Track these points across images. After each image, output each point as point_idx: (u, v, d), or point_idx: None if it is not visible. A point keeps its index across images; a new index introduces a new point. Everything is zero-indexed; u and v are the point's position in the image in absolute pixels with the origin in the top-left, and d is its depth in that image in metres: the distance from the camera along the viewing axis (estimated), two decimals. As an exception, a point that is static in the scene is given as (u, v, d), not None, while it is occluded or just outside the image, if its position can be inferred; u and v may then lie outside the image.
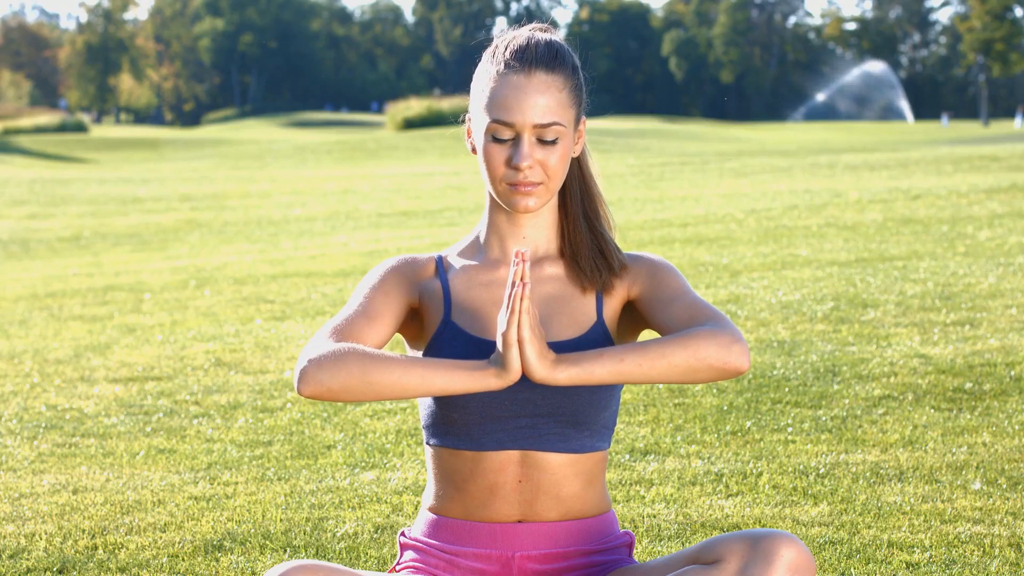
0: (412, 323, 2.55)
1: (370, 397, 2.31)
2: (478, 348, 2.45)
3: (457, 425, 2.45)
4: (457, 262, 2.56)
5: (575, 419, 2.44)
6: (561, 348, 2.44)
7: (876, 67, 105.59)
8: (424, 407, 2.50)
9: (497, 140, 2.44)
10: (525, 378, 2.39)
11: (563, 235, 2.55)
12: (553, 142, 2.43)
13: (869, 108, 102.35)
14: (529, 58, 2.43)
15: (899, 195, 17.16)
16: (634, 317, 2.54)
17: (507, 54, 2.44)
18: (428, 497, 2.54)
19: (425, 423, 2.51)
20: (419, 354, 2.54)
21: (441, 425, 2.47)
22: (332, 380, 2.30)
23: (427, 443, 2.52)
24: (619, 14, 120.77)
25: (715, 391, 5.81)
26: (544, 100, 2.42)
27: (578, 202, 2.56)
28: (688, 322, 2.40)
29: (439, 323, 2.50)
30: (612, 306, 2.53)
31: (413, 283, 2.54)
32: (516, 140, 2.43)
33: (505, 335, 2.27)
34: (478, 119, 2.47)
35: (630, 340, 2.57)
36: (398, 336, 7.37)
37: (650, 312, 2.48)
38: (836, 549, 3.75)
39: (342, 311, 2.48)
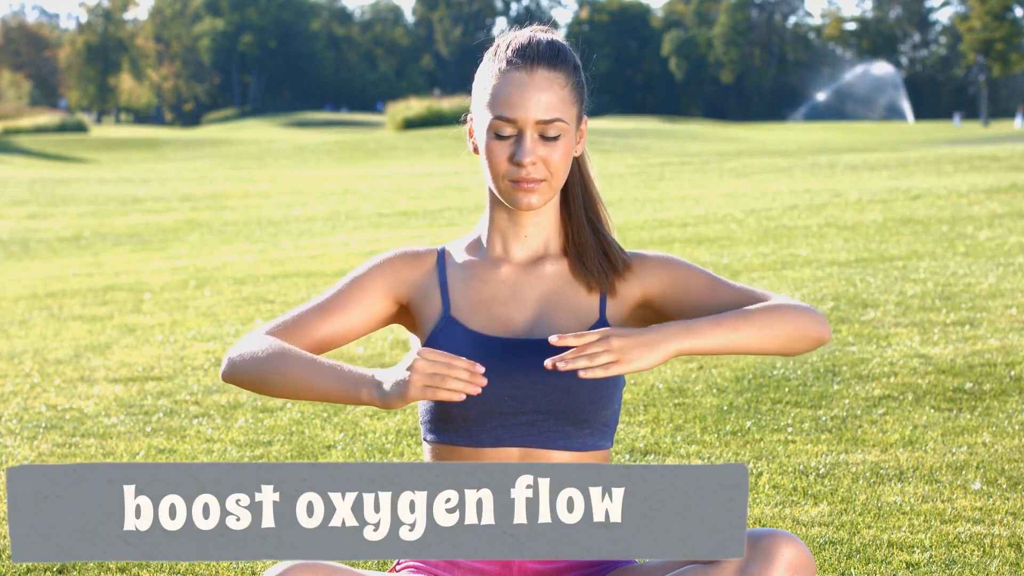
0: (405, 316, 2.55)
1: (274, 394, 2.38)
2: (478, 343, 2.45)
3: (456, 421, 2.44)
4: (460, 257, 2.56)
5: (575, 416, 2.44)
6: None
7: (881, 68, 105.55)
8: (423, 402, 2.50)
9: (500, 137, 2.44)
10: (523, 374, 2.40)
11: (567, 236, 2.55)
12: (555, 138, 2.43)
13: (871, 108, 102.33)
14: (531, 55, 2.43)
15: (899, 195, 17.16)
16: (647, 316, 2.53)
17: (509, 52, 2.45)
18: (428, 496, 2.53)
19: (423, 418, 2.51)
20: (418, 344, 2.54)
21: (439, 421, 2.47)
22: (243, 373, 2.40)
23: (424, 439, 2.52)
24: (619, 14, 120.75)
25: (715, 391, 5.81)
26: (546, 96, 2.42)
27: (580, 204, 2.55)
28: (746, 304, 2.43)
29: (438, 318, 2.50)
30: (620, 306, 2.52)
31: (405, 278, 2.54)
32: (519, 137, 2.43)
33: (432, 391, 2.23)
34: (480, 117, 2.47)
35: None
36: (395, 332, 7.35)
37: (690, 307, 2.47)
38: (836, 549, 3.75)
39: (312, 299, 2.51)
